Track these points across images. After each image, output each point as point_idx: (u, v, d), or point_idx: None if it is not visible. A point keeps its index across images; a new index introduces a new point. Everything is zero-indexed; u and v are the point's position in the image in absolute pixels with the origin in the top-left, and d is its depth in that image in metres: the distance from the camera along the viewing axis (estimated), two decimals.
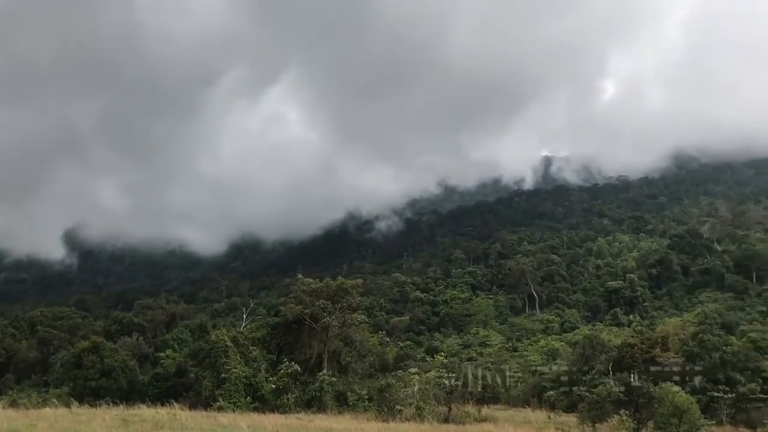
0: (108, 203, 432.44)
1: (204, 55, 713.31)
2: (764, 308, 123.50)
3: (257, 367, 55.50)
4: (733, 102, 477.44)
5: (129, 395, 59.21)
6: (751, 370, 62.18)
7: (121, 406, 42.18)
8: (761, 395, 58.49)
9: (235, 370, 52.48)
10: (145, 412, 38.01)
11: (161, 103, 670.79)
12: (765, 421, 53.07)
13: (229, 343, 54.67)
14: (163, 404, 45.36)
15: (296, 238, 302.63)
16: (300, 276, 64.36)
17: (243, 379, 52.81)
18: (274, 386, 52.38)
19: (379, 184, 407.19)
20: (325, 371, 54.56)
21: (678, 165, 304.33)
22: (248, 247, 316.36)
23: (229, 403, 49.76)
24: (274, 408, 49.77)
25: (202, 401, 51.00)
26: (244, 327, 70.20)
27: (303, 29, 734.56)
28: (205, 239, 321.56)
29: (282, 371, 52.88)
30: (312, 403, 50.98)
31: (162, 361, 76.38)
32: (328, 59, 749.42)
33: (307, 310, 57.24)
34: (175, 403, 44.82)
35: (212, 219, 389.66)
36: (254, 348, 57.89)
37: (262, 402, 51.49)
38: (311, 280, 61.47)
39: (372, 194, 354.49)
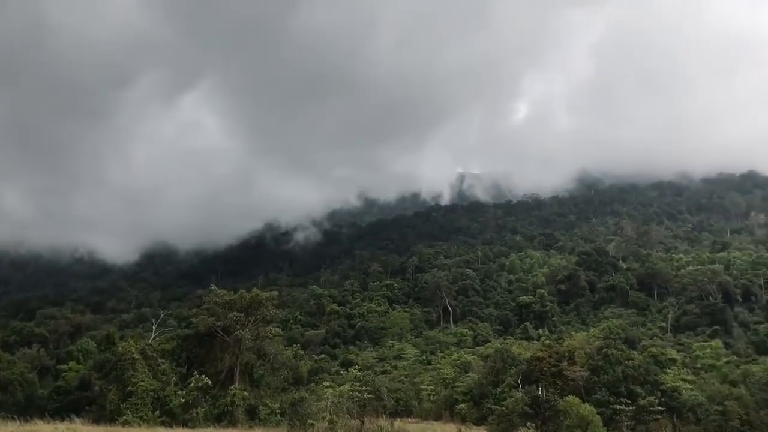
0: (10, 207, 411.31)
1: (117, 57, 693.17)
2: (664, 324, 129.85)
3: (166, 380, 53.85)
4: (635, 127, 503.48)
5: (26, 410, 56.38)
6: (650, 383, 65.18)
7: (18, 422, 40.13)
8: (659, 407, 61.43)
9: (142, 383, 50.76)
10: (42, 427, 36.38)
11: (69, 104, 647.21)
12: None
13: (136, 355, 52.82)
14: (63, 419, 43.49)
15: (211, 248, 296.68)
16: (213, 287, 63.01)
17: (151, 393, 51.10)
18: (183, 400, 50.97)
19: (299, 195, 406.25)
20: (236, 385, 53.58)
21: (586, 185, 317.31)
22: (160, 257, 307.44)
23: (135, 417, 48.06)
24: (183, 422, 48.47)
25: (106, 416, 49.12)
26: (154, 339, 68.03)
27: (222, 36, 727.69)
28: (115, 247, 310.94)
29: (192, 384, 51.55)
30: (222, 418, 49.94)
31: (64, 373, 73.21)
32: (247, 68, 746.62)
33: (219, 323, 56.05)
34: (76, 418, 43.06)
35: (123, 227, 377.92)
36: (163, 360, 56.16)
37: (170, 416, 49.98)
38: (225, 292, 60.31)
39: (291, 205, 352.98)
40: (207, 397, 51.84)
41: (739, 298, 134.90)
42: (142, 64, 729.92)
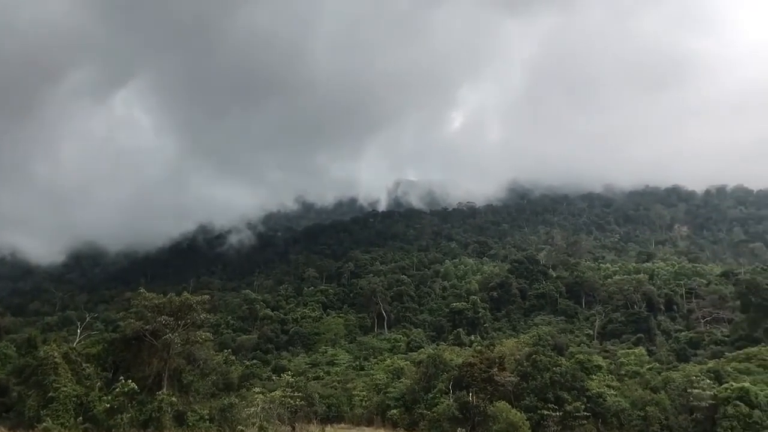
0: None
1: (45, 51, 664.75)
2: (591, 331, 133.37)
3: (90, 385, 52.20)
4: (565, 140, 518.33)
5: None
6: (577, 389, 66.74)
7: None
8: (585, 413, 63.08)
9: (64, 389, 49.03)
10: None
11: None
12: None
13: (59, 360, 51.03)
14: None
15: (142, 250, 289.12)
16: (142, 290, 61.42)
17: (74, 398, 49.43)
18: (108, 405, 49.49)
19: (234, 197, 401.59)
20: (164, 390, 52.36)
21: (519, 195, 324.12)
22: (88, 258, 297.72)
23: (55, 423, 46.44)
24: (107, 429, 47.18)
25: (24, 422, 47.29)
26: (78, 342, 65.94)
27: (156, 34, 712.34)
28: (40, 247, 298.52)
29: (117, 390, 50.10)
30: (149, 424, 48.76)
31: None
32: (181, 68, 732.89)
33: (148, 326, 54.74)
34: None
35: (49, 226, 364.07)
36: (88, 365, 54.42)
37: (93, 422, 48.49)
38: (154, 295, 58.94)
39: (226, 207, 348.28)
40: (133, 402, 50.46)
41: (662, 307, 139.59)
42: (72, 60, 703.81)
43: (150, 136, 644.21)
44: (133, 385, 50.29)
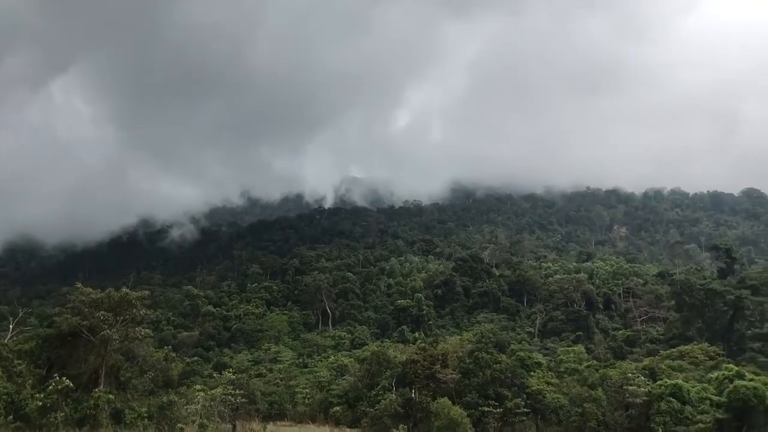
0: None
1: None
2: (532, 329, 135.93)
3: (22, 382, 50.36)
4: (507, 142, 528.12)
5: None
6: (517, 386, 67.91)
7: None
8: (525, 409, 64.25)
9: None
10: None
11: None
12: None
13: None
14: None
15: (80, 244, 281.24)
16: (79, 285, 59.48)
17: (4, 397, 47.60)
18: (40, 403, 47.86)
19: (177, 191, 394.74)
20: (101, 387, 50.99)
21: (464, 195, 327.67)
22: (23, 251, 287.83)
23: None
24: (40, 427, 45.58)
25: None
26: (10, 338, 63.57)
27: (97, 22, 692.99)
28: None
29: (51, 387, 48.49)
30: (85, 422, 47.36)
31: None
32: (122, 57, 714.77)
33: (85, 322, 53.11)
34: None
35: None
36: (20, 362, 52.45)
37: (25, 421, 46.78)
38: (91, 290, 57.13)
39: (168, 201, 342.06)
40: (68, 400, 48.94)
41: (601, 306, 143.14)
42: (6, 45, 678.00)
43: (89, 126, 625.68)
44: (68, 382, 48.69)
